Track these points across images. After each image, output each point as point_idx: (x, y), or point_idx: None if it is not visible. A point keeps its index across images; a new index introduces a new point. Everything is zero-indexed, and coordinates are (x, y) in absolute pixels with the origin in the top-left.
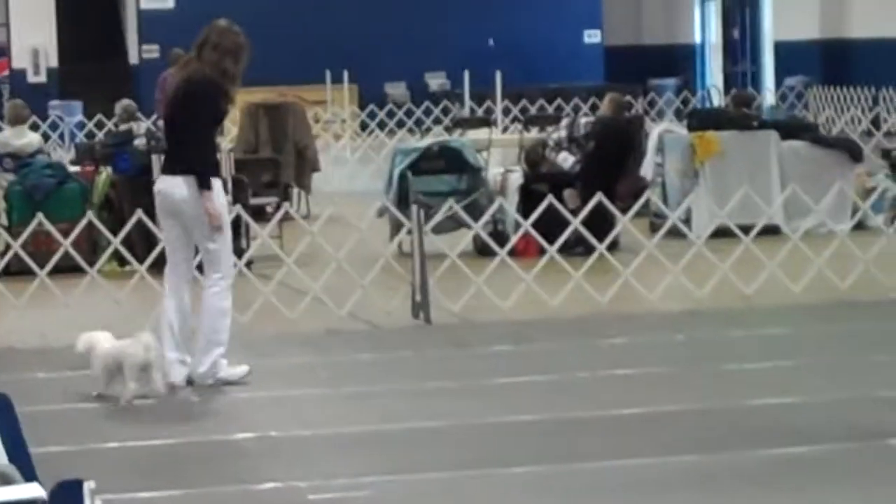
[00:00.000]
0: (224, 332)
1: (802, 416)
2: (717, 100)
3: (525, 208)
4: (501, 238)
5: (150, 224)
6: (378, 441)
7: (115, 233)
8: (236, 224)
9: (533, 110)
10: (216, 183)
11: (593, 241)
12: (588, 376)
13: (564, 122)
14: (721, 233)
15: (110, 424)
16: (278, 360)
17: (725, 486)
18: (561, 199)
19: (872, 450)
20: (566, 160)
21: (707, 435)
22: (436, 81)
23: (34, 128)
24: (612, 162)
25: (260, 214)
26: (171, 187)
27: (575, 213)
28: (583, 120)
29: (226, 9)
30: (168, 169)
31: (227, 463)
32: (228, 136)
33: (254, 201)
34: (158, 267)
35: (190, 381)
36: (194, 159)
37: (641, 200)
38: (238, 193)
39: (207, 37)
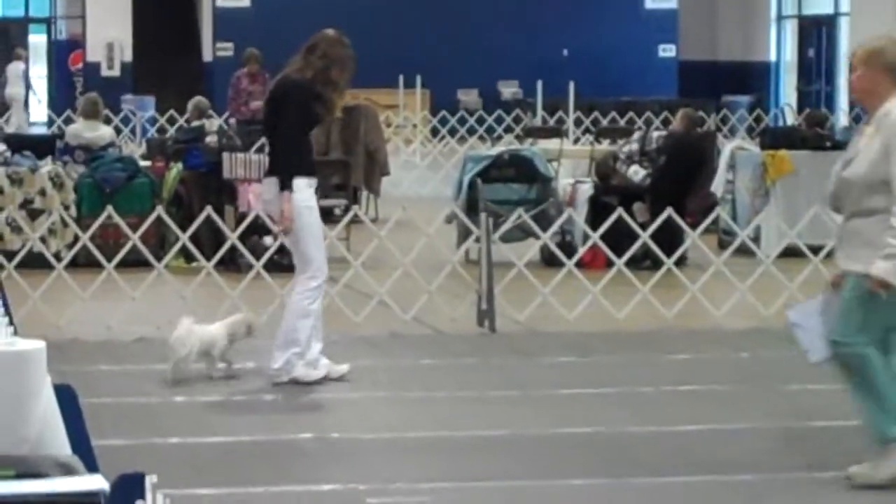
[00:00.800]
0: (303, 333)
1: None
2: (791, 119)
3: (594, 220)
4: (569, 249)
5: (218, 220)
6: (438, 447)
7: (183, 229)
8: None
9: (605, 122)
10: (302, 184)
11: (661, 255)
12: (651, 391)
13: (636, 135)
14: (790, 252)
15: (172, 419)
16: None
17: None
18: (630, 213)
19: None
20: (637, 173)
21: (768, 455)
22: (508, 90)
23: (107, 122)
24: (682, 177)
25: (328, 216)
26: (264, 189)
27: (644, 226)
28: (655, 134)
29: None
30: (268, 171)
31: (288, 462)
32: None
33: (323, 203)
34: (225, 263)
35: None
36: (281, 161)
37: (711, 217)
38: None
39: (316, 44)
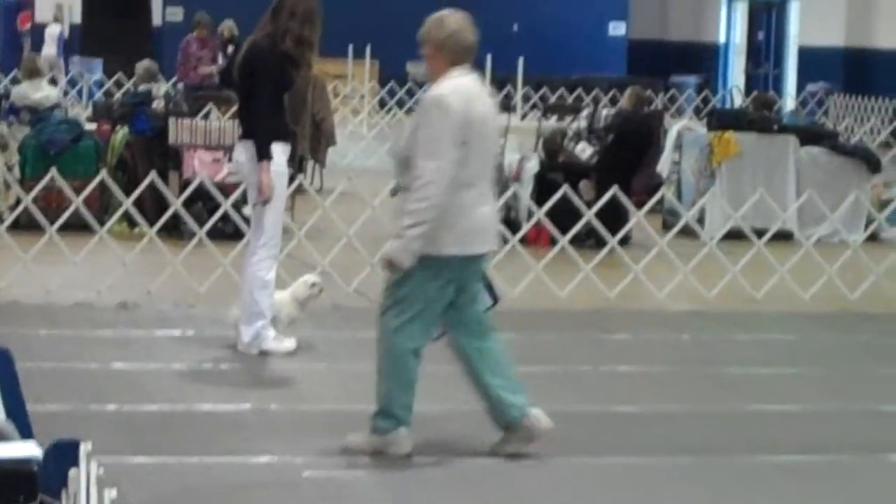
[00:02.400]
0: (264, 303)
1: (801, 425)
2: (738, 101)
3: (539, 197)
4: (514, 225)
5: (162, 186)
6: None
7: (127, 193)
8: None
9: (553, 99)
10: (277, 149)
11: (606, 234)
12: (590, 370)
13: (585, 112)
14: (734, 235)
15: (111, 386)
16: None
17: (714, 487)
18: (576, 190)
19: (870, 463)
20: (584, 151)
21: (702, 437)
22: None
23: (52, 83)
24: (629, 156)
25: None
26: (237, 151)
27: (589, 204)
28: (603, 112)
29: None
30: (241, 134)
31: (226, 433)
32: None
33: None
34: (168, 230)
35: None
36: (257, 129)
37: (656, 197)
38: None
39: (283, 2)
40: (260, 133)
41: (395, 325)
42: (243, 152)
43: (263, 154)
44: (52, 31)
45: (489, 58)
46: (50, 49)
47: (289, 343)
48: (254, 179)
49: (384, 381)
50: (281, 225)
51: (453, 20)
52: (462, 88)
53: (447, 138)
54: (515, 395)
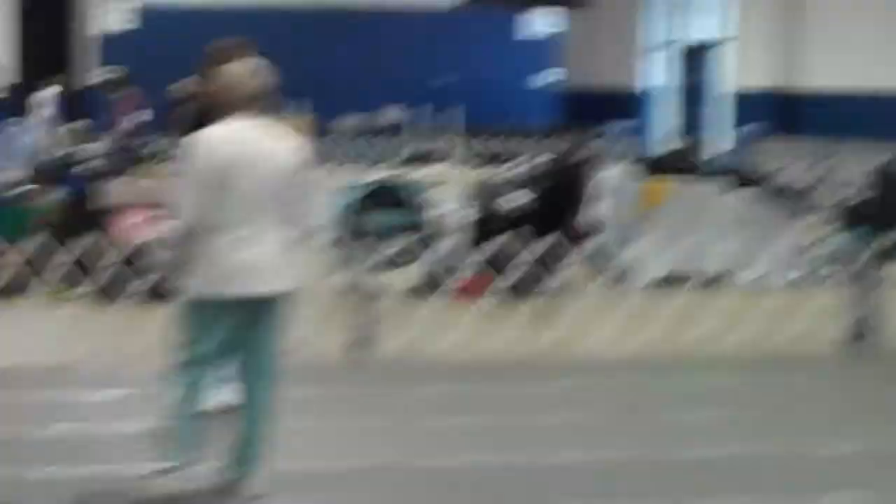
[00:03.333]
0: None
1: (734, 468)
2: (669, 146)
3: (475, 247)
4: (448, 276)
5: (97, 247)
6: (309, 478)
7: (57, 255)
8: None
9: (489, 148)
10: None
11: (540, 283)
12: (525, 420)
13: (521, 159)
14: (665, 280)
15: (51, 450)
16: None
17: None
18: (511, 240)
19: None
20: (520, 198)
21: (640, 484)
22: (393, 114)
23: None
24: (562, 203)
25: None
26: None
27: (523, 253)
28: (539, 159)
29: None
30: None
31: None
32: None
33: None
34: (103, 291)
35: None
36: None
37: (589, 244)
38: None
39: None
40: None
41: (181, 365)
42: None
43: None
44: None
45: (425, 109)
46: None
47: (227, 396)
48: None
49: (172, 420)
50: None
51: (234, 69)
52: (225, 133)
53: (193, 182)
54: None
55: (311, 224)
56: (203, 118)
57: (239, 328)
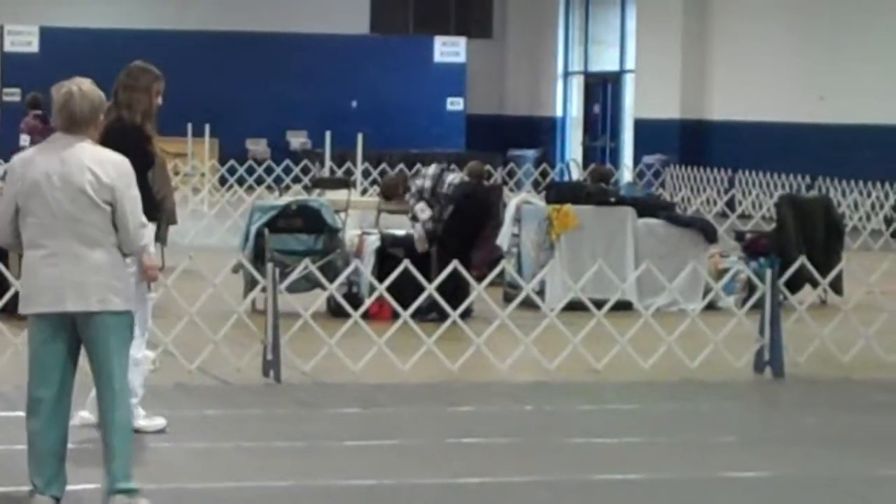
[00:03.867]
0: (136, 382)
1: (645, 493)
2: (576, 174)
3: (380, 272)
4: (356, 300)
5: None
6: (222, 499)
7: None
8: None
9: (392, 174)
10: (149, 231)
11: (447, 307)
12: (435, 443)
13: (431, 169)
14: (574, 306)
15: None
16: None
17: None
18: (417, 265)
19: None
20: (423, 211)
21: None
22: (297, 140)
23: None
24: (469, 228)
25: None
26: None
27: (424, 257)
28: (449, 176)
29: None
30: None
31: None
32: None
33: None
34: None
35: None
36: None
37: (497, 270)
38: None
39: (119, 79)
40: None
41: (29, 385)
42: None
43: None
44: None
45: (329, 134)
46: None
47: (159, 421)
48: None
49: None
50: (150, 304)
51: (63, 91)
52: (33, 155)
53: (4, 198)
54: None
55: (133, 246)
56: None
57: (54, 342)
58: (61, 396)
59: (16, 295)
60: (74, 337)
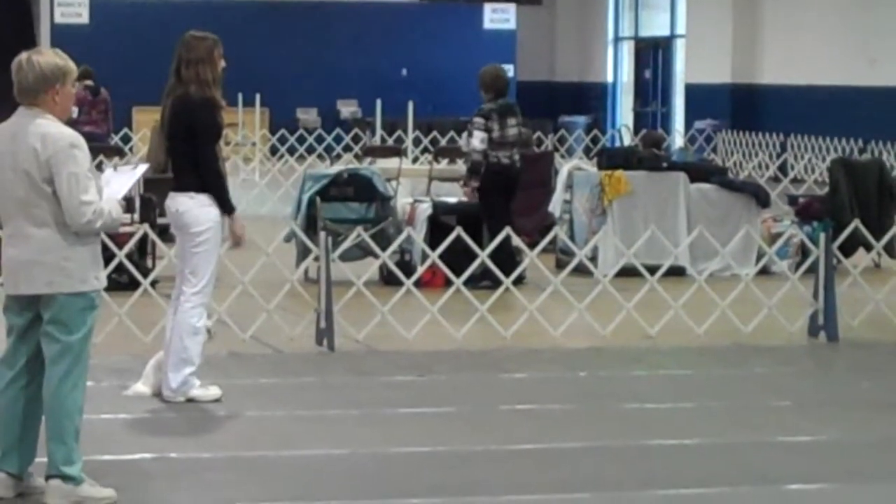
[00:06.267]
0: (194, 350)
1: (700, 458)
2: (627, 139)
3: (432, 239)
4: (408, 268)
5: None
6: (277, 467)
7: None
8: (142, 243)
9: (443, 142)
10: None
11: (500, 274)
12: (489, 410)
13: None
14: (627, 272)
15: None
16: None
17: None
18: (469, 232)
19: (768, 494)
20: (480, 139)
21: (603, 473)
22: (348, 109)
23: None
24: (522, 196)
25: (166, 234)
26: (175, 202)
27: (481, 242)
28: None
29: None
30: (176, 187)
31: (127, 483)
32: (139, 155)
33: (162, 221)
34: None
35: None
36: (209, 180)
37: (549, 236)
38: (146, 212)
39: (179, 54)
40: (217, 186)
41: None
42: (185, 202)
43: (228, 207)
44: None
45: (379, 102)
46: None
47: (214, 390)
48: (197, 229)
49: None
50: (214, 273)
51: (14, 61)
52: None
53: None
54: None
55: (75, 222)
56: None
57: (33, 324)
58: (24, 372)
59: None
60: (28, 315)
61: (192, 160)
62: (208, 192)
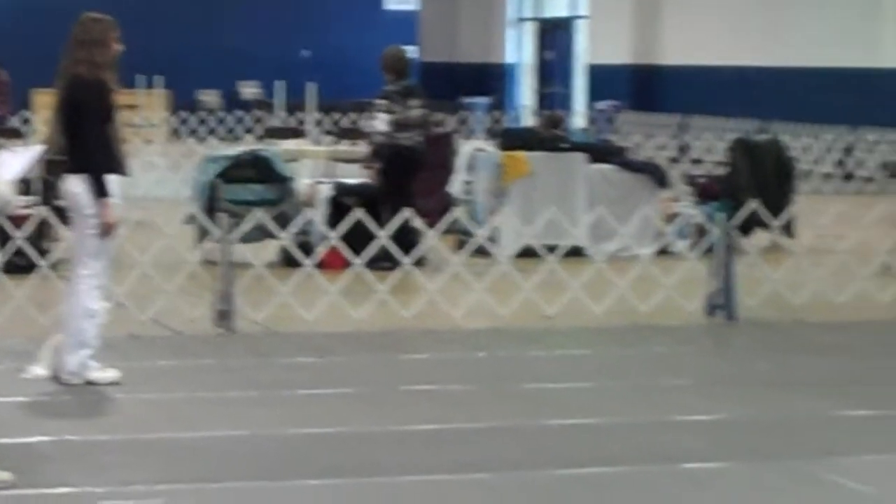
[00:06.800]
0: (90, 333)
1: (598, 437)
2: (528, 120)
3: (333, 220)
4: (308, 249)
5: None
6: (175, 448)
7: None
8: (42, 225)
9: (345, 123)
10: (111, 182)
11: (400, 256)
12: (388, 391)
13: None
14: (527, 253)
15: None
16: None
17: (512, 503)
18: (370, 213)
19: (667, 473)
20: (383, 121)
21: (502, 454)
22: (249, 90)
23: None
24: (422, 177)
25: (65, 216)
26: (69, 184)
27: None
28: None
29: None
30: (69, 168)
31: (23, 466)
32: (37, 137)
33: (61, 203)
34: None
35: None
36: (88, 162)
37: (449, 217)
38: (46, 194)
39: (74, 35)
40: (94, 169)
41: None
42: (77, 185)
43: (101, 191)
44: None
45: (280, 84)
46: None
47: (112, 373)
48: (90, 212)
49: None
50: (110, 255)
51: None
52: None
53: None
54: None
55: None
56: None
57: None
58: None
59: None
60: None
61: (83, 142)
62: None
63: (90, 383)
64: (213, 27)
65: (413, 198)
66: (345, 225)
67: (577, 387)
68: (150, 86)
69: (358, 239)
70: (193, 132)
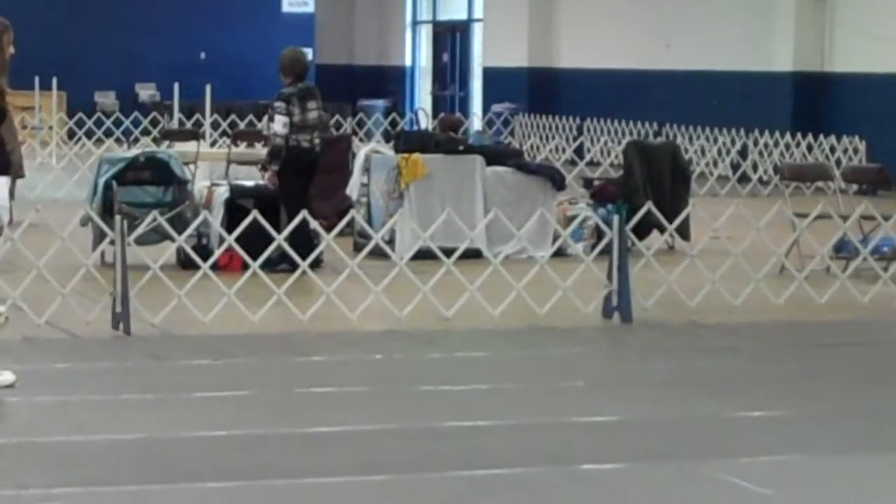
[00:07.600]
0: None
1: (496, 439)
2: (425, 123)
3: (230, 223)
4: (205, 252)
5: None
6: (71, 452)
7: None
8: None
9: (242, 125)
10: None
11: (297, 258)
12: (285, 393)
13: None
14: (424, 255)
15: None
16: None
17: None
18: (266, 215)
19: (564, 474)
20: (282, 123)
21: (399, 455)
22: (146, 92)
23: None
24: (319, 180)
25: None
26: None
27: (278, 226)
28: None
29: None
30: None
31: None
32: None
33: None
34: None
35: None
36: None
37: (346, 220)
38: None
39: None
40: None
41: None
42: None
43: None
44: None
45: (177, 86)
46: None
47: (7, 376)
48: None
49: None
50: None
51: None
52: None
53: None
54: None
55: None
56: None
57: None
58: None
59: None
60: None
61: None
62: None
63: None
64: (110, 29)
65: (310, 200)
66: (242, 227)
67: (473, 389)
68: (45, 87)
69: (255, 241)
70: (90, 134)
